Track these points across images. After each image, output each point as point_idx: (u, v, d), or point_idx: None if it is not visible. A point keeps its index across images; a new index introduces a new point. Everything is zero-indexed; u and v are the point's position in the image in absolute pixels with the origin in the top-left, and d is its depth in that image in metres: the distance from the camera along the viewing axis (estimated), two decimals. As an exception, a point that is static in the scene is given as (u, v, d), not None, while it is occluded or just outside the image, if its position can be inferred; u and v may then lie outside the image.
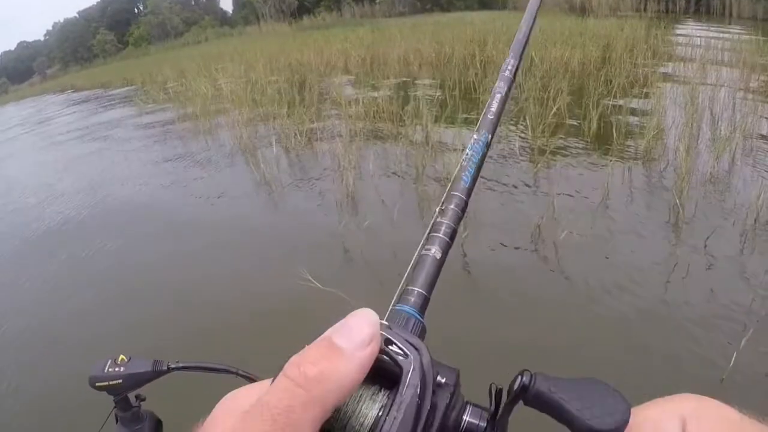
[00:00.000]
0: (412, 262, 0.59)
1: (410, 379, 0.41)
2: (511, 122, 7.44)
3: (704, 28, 18.62)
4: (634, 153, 6.14)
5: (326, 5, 46.53)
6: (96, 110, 18.42)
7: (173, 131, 10.81)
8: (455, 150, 6.59)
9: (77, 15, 76.67)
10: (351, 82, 12.86)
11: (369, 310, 0.42)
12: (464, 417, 0.46)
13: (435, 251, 0.60)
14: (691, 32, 16.24)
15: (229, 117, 10.10)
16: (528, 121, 6.94)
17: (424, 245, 0.61)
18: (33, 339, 4.27)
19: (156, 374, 1.14)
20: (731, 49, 11.19)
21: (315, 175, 6.74)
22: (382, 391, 0.43)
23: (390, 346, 0.43)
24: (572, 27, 15.82)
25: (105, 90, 25.73)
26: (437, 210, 0.65)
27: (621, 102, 7.98)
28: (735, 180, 5.29)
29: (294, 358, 0.39)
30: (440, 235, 0.62)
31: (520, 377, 0.45)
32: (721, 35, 13.53)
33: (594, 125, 6.85)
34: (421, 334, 0.52)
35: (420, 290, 0.55)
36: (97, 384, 1.09)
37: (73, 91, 31.70)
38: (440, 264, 0.59)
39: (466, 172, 0.70)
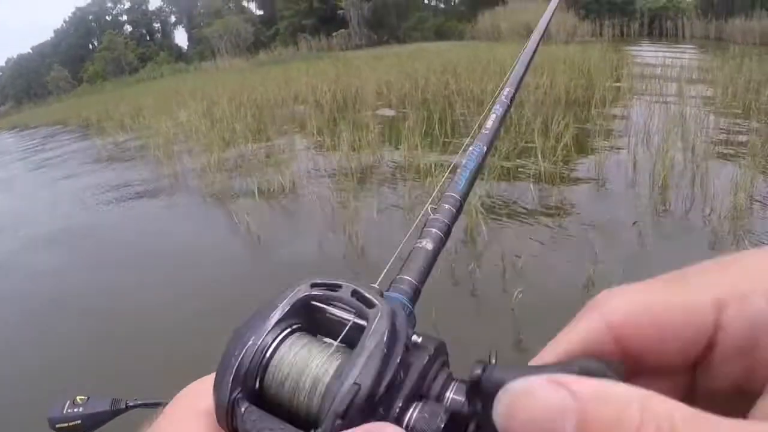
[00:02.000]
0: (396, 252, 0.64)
1: (375, 326, 0.39)
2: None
3: (665, 48, 19.03)
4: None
5: (282, 39, 46.49)
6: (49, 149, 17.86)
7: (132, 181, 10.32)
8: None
9: (31, 50, 75.33)
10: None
11: (390, 426, 0.35)
12: (448, 394, 0.42)
13: (426, 243, 0.61)
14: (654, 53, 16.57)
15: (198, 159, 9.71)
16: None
17: (418, 239, 0.63)
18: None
19: (115, 413, 1.11)
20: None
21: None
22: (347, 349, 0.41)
23: (357, 300, 0.42)
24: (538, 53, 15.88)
25: (64, 127, 25.11)
26: (428, 208, 0.68)
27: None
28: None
29: None
30: (434, 229, 0.64)
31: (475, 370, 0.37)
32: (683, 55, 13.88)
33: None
34: (409, 319, 0.51)
35: (411, 279, 0.57)
36: (57, 426, 1.06)
37: (27, 129, 30.90)
38: (433, 256, 0.61)
39: (461, 177, 0.72)
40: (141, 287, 5.31)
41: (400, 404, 0.39)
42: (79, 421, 1.07)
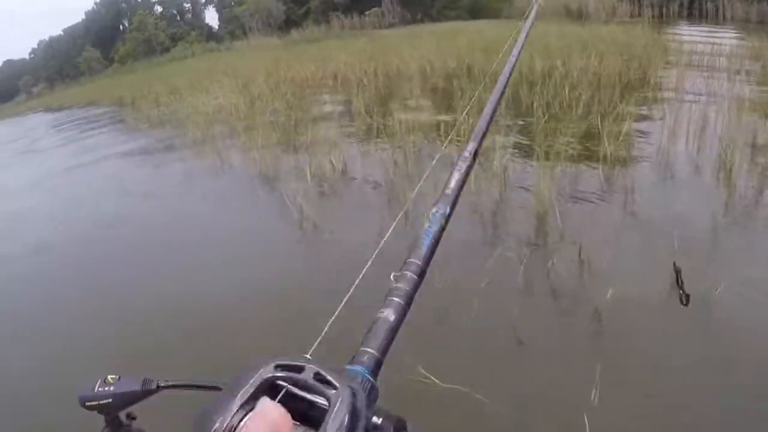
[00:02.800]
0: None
1: (337, 410, 0.41)
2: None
3: (707, 30, 18.29)
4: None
5: (314, 18, 45.88)
6: (88, 131, 17.56)
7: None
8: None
9: (62, 33, 75.74)
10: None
11: (267, 403, 0.43)
12: None
13: (388, 314, 0.61)
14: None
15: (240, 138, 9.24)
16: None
17: (379, 308, 0.63)
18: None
19: (145, 393, 1.07)
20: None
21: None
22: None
23: (318, 381, 0.44)
24: (579, 34, 15.36)
25: (96, 107, 24.90)
26: (393, 276, 0.67)
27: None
28: None
29: None
30: (396, 299, 0.63)
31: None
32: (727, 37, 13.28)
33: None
34: (370, 392, 0.53)
35: (373, 351, 0.56)
36: (87, 404, 1.03)
37: (59, 111, 30.81)
38: (395, 327, 0.60)
39: (424, 242, 0.72)
40: (197, 274, 4.96)
41: None
42: (109, 400, 1.04)
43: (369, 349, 0.57)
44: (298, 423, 0.43)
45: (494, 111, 1.12)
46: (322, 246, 5.25)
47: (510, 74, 1.36)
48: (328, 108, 10.93)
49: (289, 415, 0.42)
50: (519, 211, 5.20)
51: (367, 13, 42.77)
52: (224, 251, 5.34)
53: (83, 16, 74.04)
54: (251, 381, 0.45)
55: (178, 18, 66.70)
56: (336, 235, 5.30)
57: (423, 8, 41.72)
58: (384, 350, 0.58)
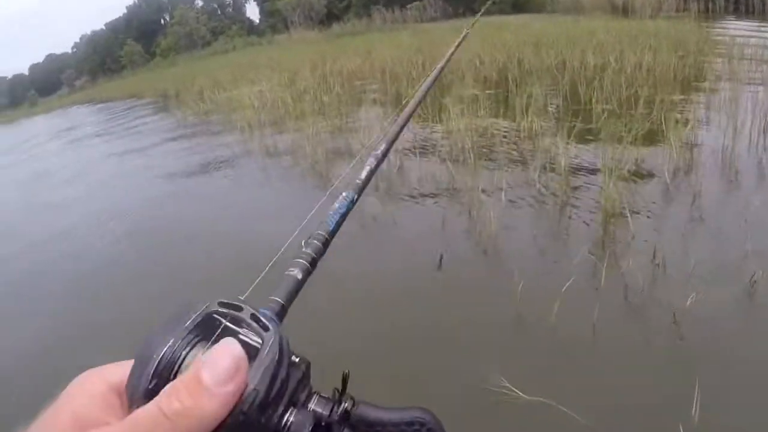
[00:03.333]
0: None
1: (270, 346, 0.48)
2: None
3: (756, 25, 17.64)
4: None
5: (355, 11, 45.72)
6: (134, 121, 17.51)
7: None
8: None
9: (104, 27, 76.85)
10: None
11: (232, 341, 0.47)
12: (310, 405, 0.53)
13: (296, 272, 0.67)
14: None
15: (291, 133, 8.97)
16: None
17: (288, 268, 0.69)
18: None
19: None
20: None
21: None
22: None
23: (255, 321, 0.50)
24: (628, 29, 14.90)
25: (140, 100, 25.00)
26: (303, 242, 0.73)
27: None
28: None
29: (167, 389, 0.44)
30: (302, 260, 0.70)
31: (343, 403, 0.55)
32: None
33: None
34: None
35: (280, 300, 0.63)
36: None
37: (103, 103, 31.04)
38: (300, 283, 0.67)
39: (332, 220, 0.79)
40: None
41: (282, 408, 0.49)
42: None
43: (278, 298, 0.63)
44: None
45: (408, 118, 1.18)
46: (392, 243, 4.96)
47: (427, 90, 1.43)
48: (378, 102, 10.62)
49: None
50: (588, 213, 4.86)
51: (408, 6, 42.42)
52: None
53: (124, 11, 75.11)
54: (196, 314, 0.50)
55: (219, 12, 67.21)
56: (401, 232, 5.02)
57: (465, 2, 41.23)
58: (290, 301, 0.64)
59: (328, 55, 17.97)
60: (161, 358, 0.47)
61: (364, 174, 0.92)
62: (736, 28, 16.83)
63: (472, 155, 6.36)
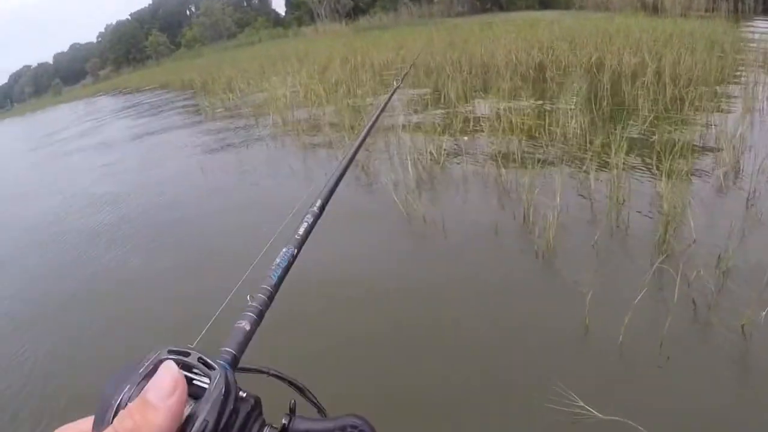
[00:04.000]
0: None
1: (217, 382, 0.52)
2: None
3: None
4: None
5: (382, 5, 45.51)
6: (163, 114, 17.40)
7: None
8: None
9: (129, 17, 77.21)
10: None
11: (170, 362, 0.52)
12: None
13: (244, 324, 0.70)
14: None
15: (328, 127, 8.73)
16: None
17: (236, 320, 0.71)
18: None
19: None
20: None
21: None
22: (190, 399, 0.52)
23: (202, 364, 0.54)
24: (663, 27, 14.65)
25: (166, 91, 24.95)
26: (248, 297, 0.75)
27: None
28: None
29: (121, 413, 0.48)
30: (250, 313, 0.72)
31: (284, 416, 0.61)
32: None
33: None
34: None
35: (232, 351, 0.65)
36: None
37: (130, 92, 31.05)
38: (249, 335, 0.69)
39: (274, 274, 0.81)
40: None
41: None
42: None
43: (229, 349, 0.65)
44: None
45: (344, 173, 1.19)
46: (445, 251, 4.73)
47: (361, 143, 1.42)
48: (415, 98, 10.38)
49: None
50: (646, 217, 4.62)
51: (435, 0, 42.21)
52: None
53: (150, 1, 75.37)
54: (148, 362, 0.53)
55: (245, 3, 67.23)
56: (453, 237, 4.78)
57: (492, -3, 40.97)
58: (240, 351, 0.66)
59: (359, 49, 17.74)
60: (119, 404, 0.50)
61: (302, 230, 0.95)
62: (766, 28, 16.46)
63: (519, 155, 6.13)
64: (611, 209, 4.69)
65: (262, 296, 0.77)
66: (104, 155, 11.76)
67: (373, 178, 6.34)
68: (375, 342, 3.47)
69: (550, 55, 12.44)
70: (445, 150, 6.55)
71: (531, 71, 11.36)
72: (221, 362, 0.60)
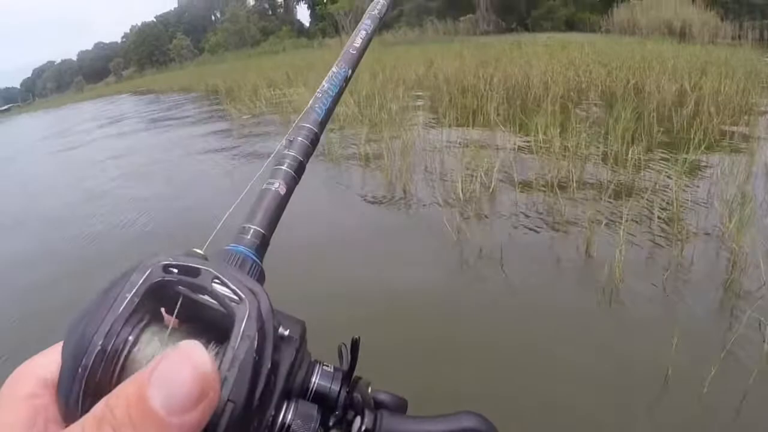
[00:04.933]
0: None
1: (244, 329, 0.35)
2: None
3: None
4: None
5: (407, 21, 45.59)
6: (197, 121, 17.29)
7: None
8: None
9: (155, 19, 77.88)
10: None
11: (196, 344, 0.32)
12: (313, 379, 0.42)
13: (279, 186, 0.55)
14: None
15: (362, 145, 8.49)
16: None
17: (267, 178, 0.56)
18: None
19: None
20: None
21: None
22: (211, 345, 0.36)
23: (219, 287, 0.37)
24: (698, 54, 14.53)
25: (189, 93, 24.92)
26: (284, 140, 0.60)
27: None
28: None
29: (103, 406, 0.31)
30: (285, 168, 0.57)
31: (360, 417, 0.43)
32: None
33: None
34: (260, 278, 0.48)
35: (258, 228, 0.51)
36: None
37: (153, 94, 31.08)
38: (284, 200, 0.55)
39: (320, 104, 0.65)
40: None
41: (273, 411, 0.37)
42: None
43: (254, 226, 0.50)
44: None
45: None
46: (506, 290, 4.49)
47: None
48: (452, 116, 10.17)
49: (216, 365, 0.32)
50: (710, 254, 4.37)
51: (461, 19, 42.22)
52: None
53: (176, 5, 76.19)
54: (136, 286, 0.35)
55: (270, 12, 67.62)
56: (511, 274, 4.52)
57: (518, 17, 40.94)
58: (271, 227, 0.52)
59: (388, 63, 17.59)
60: (96, 354, 0.33)
61: (358, 42, 0.76)
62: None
63: (573, 182, 5.88)
64: (674, 243, 4.46)
65: (301, 140, 0.61)
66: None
67: (418, 201, 6.11)
68: (433, 386, 3.22)
69: (586, 78, 12.27)
70: (493, 173, 6.28)
71: (572, 93, 11.14)
72: (239, 248, 0.47)
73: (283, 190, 0.55)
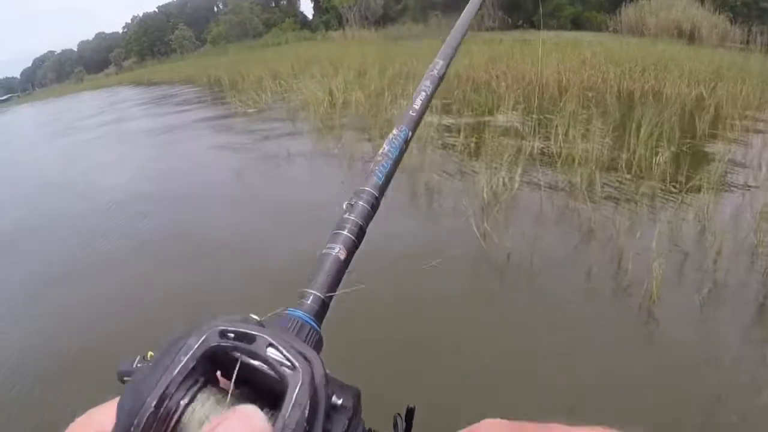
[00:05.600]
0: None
1: (297, 397, 0.35)
2: None
3: None
4: None
5: (411, 15, 45.25)
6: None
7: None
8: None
9: (157, 10, 77.52)
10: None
11: (255, 410, 0.35)
12: None
13: (339, 251, 0.55)
14: None
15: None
16: None
17: (327, 243, 0.57)
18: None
19: None
20: None
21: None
22: (264, 411, 0.36)
23: (273, 354, 0.37)
24: (710, 57, 14.33)
25: (192, 85, 24.61)
26: (345, 205, 0.61)
27: None
28: None
29: None
30: (345, 233, 0.57)
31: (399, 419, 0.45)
32: None
33: None
34: (317, 345, 0.49)
35: (317, 294, 0.51)
36: (124, 378, 0.81)
37: (156, 85, 30.80)
38: (344, 265, 0.55)
39: (380, 167, 0.65)
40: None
41: None
42: None
43: (312, 291, 0.51)
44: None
45: (463, 36, 0.98)
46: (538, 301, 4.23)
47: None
48: (468, 112, 9.92)
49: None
50: (747, 271, 4.12)
51: (466, 14, 41.94)
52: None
53: (178, -5, 75.83)
54: (193, 349, 0.37)
55: (273, 4, 67.21)
56: (542, 285, 4.27)
57: (525, 15, 40.66)
58: (330, 291, 0.52)
59: (397, 57, 17.29)
60: (149, 414, 0.34)
61: (418, 103, 0.75)
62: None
63: (599, 189, 5.61)
64: (710, 255, 4.21)
65: (362, 204, 0.60)
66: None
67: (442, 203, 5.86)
68: (466, 404, 2.97)
69: (602, 78, 12.00)
70: (516, 176, 6.02)
71: (589, 93, 10.87)
72: (298, 313, 0.47)
73: (343, 255, 0.54)
